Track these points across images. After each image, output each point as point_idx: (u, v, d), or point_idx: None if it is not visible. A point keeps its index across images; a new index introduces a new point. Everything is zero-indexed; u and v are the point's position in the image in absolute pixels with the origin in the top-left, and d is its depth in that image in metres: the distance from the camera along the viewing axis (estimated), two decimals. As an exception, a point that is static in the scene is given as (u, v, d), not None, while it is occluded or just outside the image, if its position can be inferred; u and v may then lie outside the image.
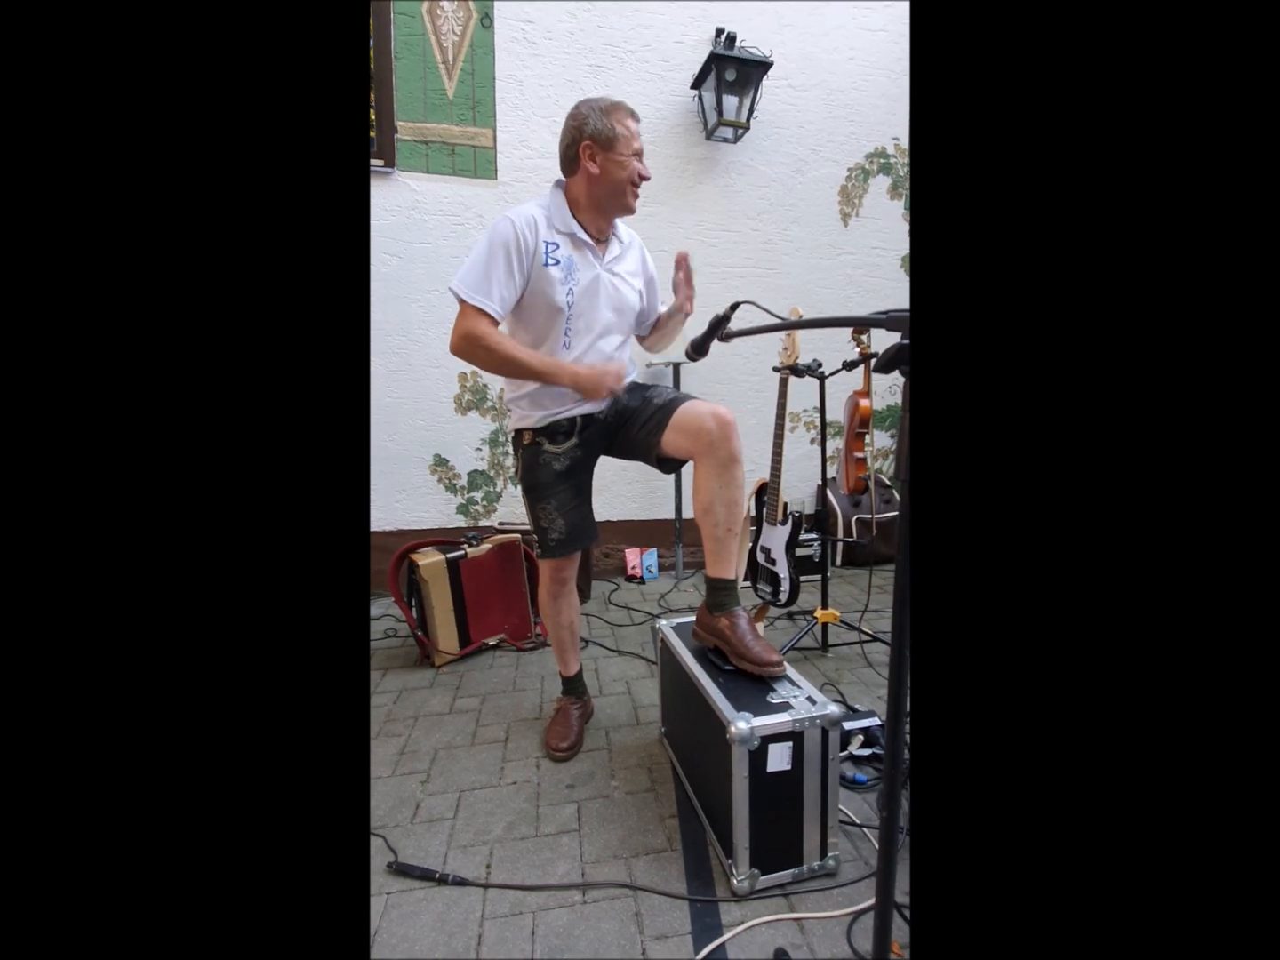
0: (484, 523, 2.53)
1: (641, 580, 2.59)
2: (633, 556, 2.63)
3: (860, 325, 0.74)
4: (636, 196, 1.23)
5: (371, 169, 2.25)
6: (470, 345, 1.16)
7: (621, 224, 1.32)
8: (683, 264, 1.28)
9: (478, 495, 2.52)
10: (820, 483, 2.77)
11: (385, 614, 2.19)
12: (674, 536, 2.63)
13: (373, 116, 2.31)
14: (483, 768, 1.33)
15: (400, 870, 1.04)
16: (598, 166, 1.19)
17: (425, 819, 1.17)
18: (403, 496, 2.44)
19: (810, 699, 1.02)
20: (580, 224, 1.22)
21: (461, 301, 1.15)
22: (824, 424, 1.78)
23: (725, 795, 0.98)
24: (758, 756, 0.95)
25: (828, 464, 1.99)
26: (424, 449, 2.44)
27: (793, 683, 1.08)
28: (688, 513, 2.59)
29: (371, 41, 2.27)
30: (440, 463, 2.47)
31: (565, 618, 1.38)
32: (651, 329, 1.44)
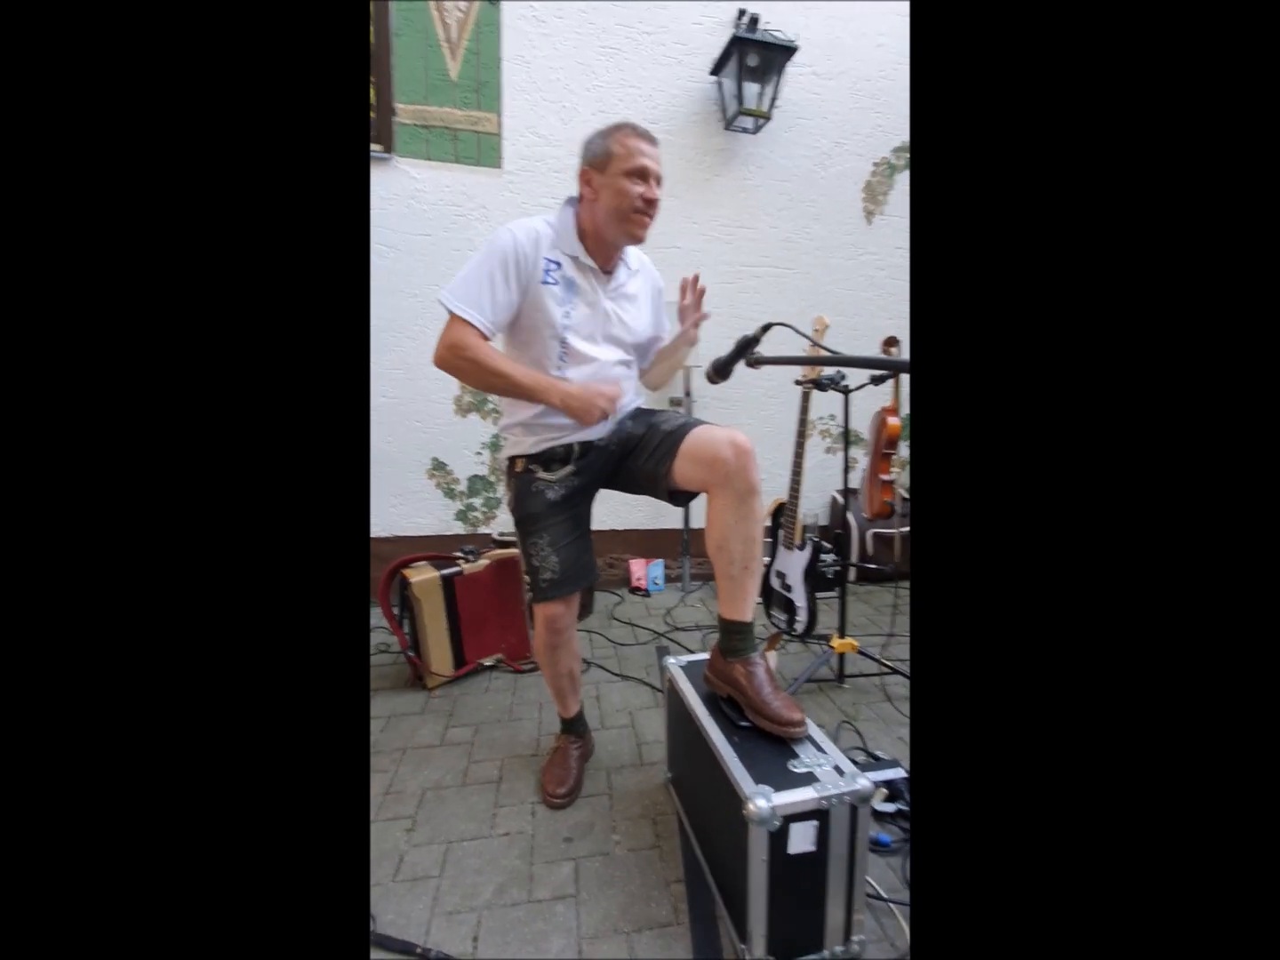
0: (483, 530, 2.42)
1: (646, 593, 2.49)
2: (637, 568, 2.52)
3: (899, 370, 0.64)
4: (643, 225, 1.10)
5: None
6: (454, 356, 1.06)
7: (633, 249, 1.21)
8: (690, 287, 1.16)
9: (477, 501, 2.41)
10: (834, 495, 2.66)
11: (378, 625, 2.09)
12: (680, 547, 2.52)
13: (370, 97, 2.17)
14: (473, 814, 1.23)
15: (378, 942, 0.94)
16: (594, 191, 1.09)
17: (408, 876, 1.08)
18: (399, 501, 2.34)
19: (837, 768, 0.91)
20: (586, 249, 1.12)
21: (450, 313, 1.06)
22: (847, 440, 1.66)
23: (740, 874, 0.88)
24: (778, 837, 0.84)
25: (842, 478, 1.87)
26: (421, 452, 2.33)
27: (817, 746, 0.97)
28: (695, 522, 2.48)
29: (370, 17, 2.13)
30: (438, 467, 2.36)
31: (564, 666, 1.26)
32: (653, 360, 1.32)
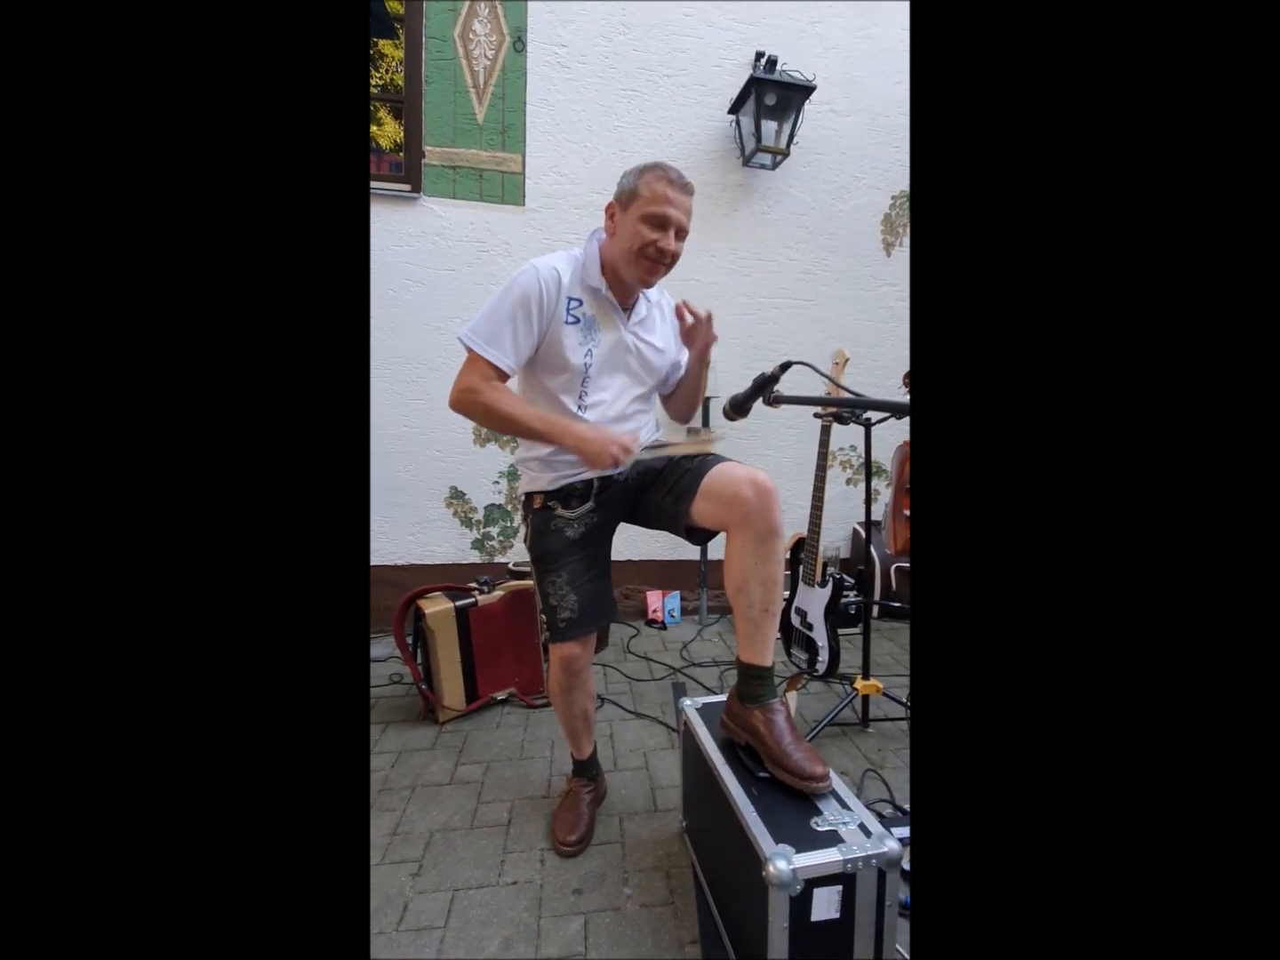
0: (499, 559, 2.41)
1: (663, 625, 2.44)
2: (654, 599, 2.48)
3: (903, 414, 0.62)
4: (654, 272, 1.07)
5: (397, 193, 2.19)
6: (467, 400, 1.05)
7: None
8: (686, 310, 1.13)
9: (494, 530, 2.41)
10: (856, 526, 2.61)
11: (392, 655, 2.08)
12: (698, 579, 2.48)
13: (403, 139, 2.26)
14: (481, 859, 1.19)
15: (378, 1001, 0.90)
16: (614, 226, 1.08)
17: (412, 925, 1.04)
18: (416, 529, 2.34)
19: (863, 827, 0.86)
20: (608, 283, 1.11)
21: (470, 351, 1.05)
22: (869, 474, 1.62)
23: (759, 940, 0.82)
24: (800, 903, 0.79)
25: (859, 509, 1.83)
26: (439, 481, 2.34)
27: (841, 802, 0.92)
28: (713, 554, 2.44)
29: (403, 67, 2.23)
30: (456, 495, 2.37)
31: (579, 708, 1.23)
32: (673, 388, 1.29)
